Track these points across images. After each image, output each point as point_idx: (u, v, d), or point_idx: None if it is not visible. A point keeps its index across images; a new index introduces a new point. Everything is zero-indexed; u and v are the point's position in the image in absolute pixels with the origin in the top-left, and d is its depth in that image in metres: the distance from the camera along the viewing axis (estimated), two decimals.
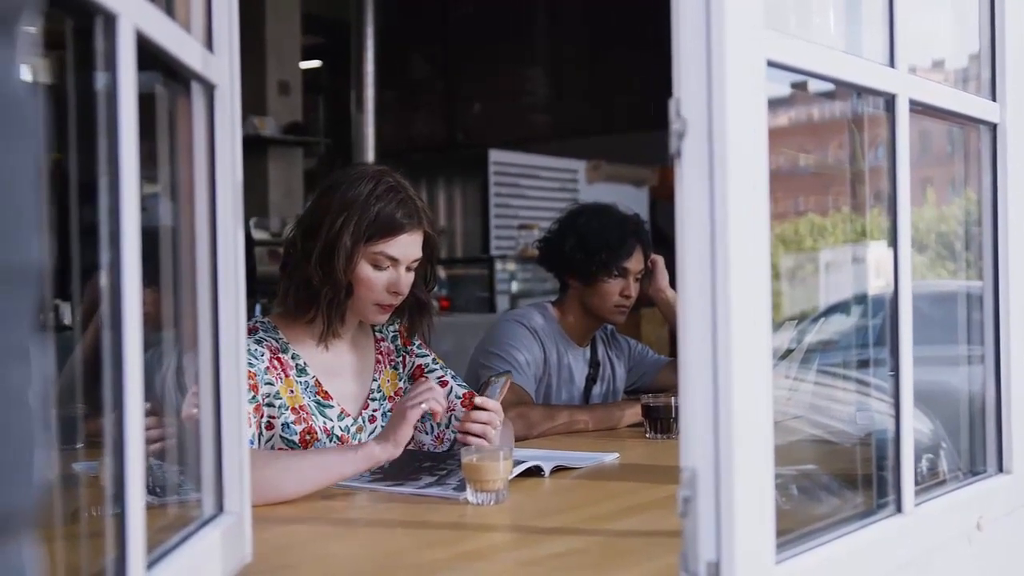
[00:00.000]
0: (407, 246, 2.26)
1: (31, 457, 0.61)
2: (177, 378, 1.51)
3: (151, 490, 1.26)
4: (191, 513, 1.40)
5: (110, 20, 1.02)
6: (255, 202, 7.37)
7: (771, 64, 1.28)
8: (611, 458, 2.42)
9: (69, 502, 1.37)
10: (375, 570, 1.61)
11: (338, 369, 2.34)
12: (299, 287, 2.25)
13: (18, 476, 0.59)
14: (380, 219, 2.22)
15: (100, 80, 1.04)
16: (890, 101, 1.57)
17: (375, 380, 2.40)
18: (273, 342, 2.25)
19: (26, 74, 0.62)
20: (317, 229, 2.23)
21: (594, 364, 3.22)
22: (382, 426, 2.34)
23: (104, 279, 1.03)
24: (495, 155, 8.26)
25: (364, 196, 2.22)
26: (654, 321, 6.64)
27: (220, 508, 1.41)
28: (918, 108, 1.63)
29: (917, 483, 1.60)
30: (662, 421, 2.72)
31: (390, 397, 2.41)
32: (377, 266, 2.24)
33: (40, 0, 0.65)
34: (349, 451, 2.04)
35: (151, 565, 1.13)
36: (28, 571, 0.62)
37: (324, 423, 2.26)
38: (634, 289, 3.09)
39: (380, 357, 2.43)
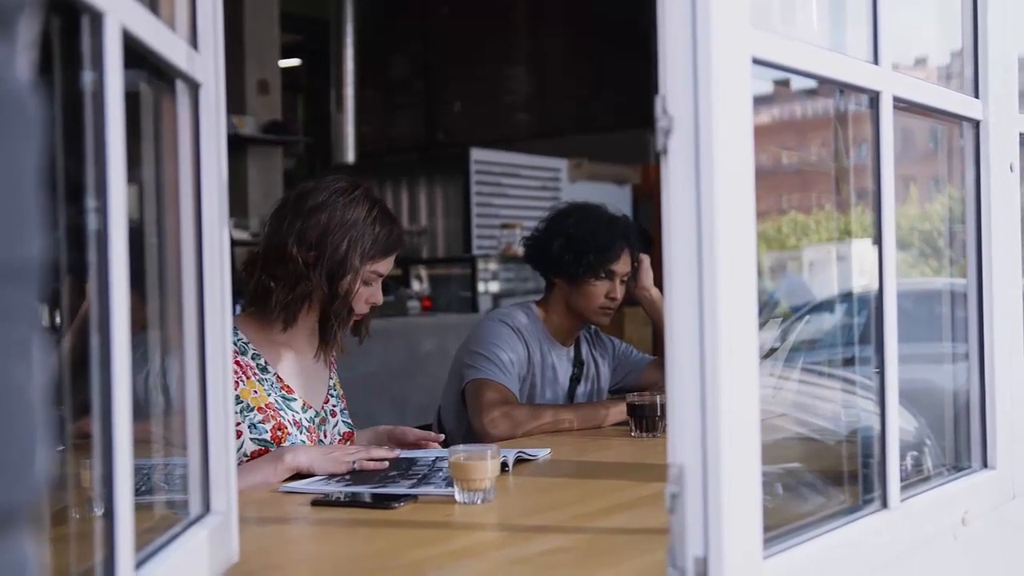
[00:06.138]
0: (392, 263, 2.44)
1: (34, 453, 0.61)
2: (160, 379, 1.50)
3: (136, 490, 1.25)
4: (177, 513, 1.40)
5: (96, 18, 1.01)
6: (234, 202, 7.31)
7: (756, 61, 1.28)
8: (543, 454, 2.44)
9: (52, 503, 1.36)
10: (363, 570, 1.60)
11: (298, 368, 2.44)
12: (299, 300, 2.34)
13: (22, 472, 0.60)
14: (380, 241, 2.37)
15: (86, 78, 1.03)
16: (874, 98, 1.57)
17: (331, 378, 2.54)
18: (232, 337, 2.28)
19: (26, 72, 0.62)
20: (319, 247, 2.32)
21: (578, 363, 3.22)
22: (343, 421, 2.51)
23: (91, 280, 1.03)
24: (476, 154, 8.25)
25: (363, 219, 2.35)
26: (637, 320, 6.66)
27: (207, 508, 1.41)
28: (902, 105, 1.64)
29: (902, 479, 1.61)
30: (647, 419, 2.72)
31: (341, 396, 2.56)
32: (366, 282, 2.38)
33: None
34: (269, 466, 2.14)
35: (139, 565, 1.12)
36: (30, 565, 0.62)
37: (292, 416, 2.35)
38: (620, 291, 3.09)
39: (332, 360, 2.56)
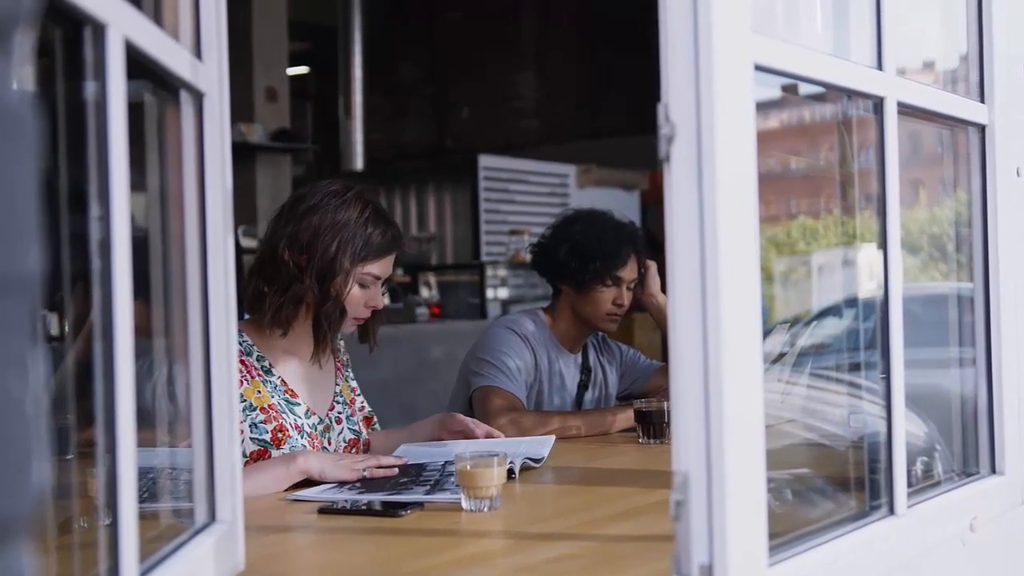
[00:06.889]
0: (390, 265, 2.42)
1: (30, 464, 0.61)
2: (168, 388, 1.51)
3: (141, 498, 1.26)
4: (182, 521, 1.40)
5: (99, 29, 1.02)
6: (243, 210, 7.34)
7: (759, 68, 1.28)
8: (548, 445, 2.47)
9: (59, 512, 1.36)
10: None
11: (303, 374, 2.44)
12: (291, 303, 2.33)
13: (17, 483, 0.60)
14: (373, 242, 2.35)
15: (89, 89, 1.04)
16: (878, 104, 1.57)
17: (337, 385, 2.52)
18: (237, 346, 2.29)
19: (23, 84, 0.62)
20: (310, 249, 2.32)
21: (586, 370, 3.22)
22: (348, 428, 2.49)
23: (95, 289, 1.03)
24: (485, 160, 8.26)
25: (354, 220, 2.34)
26: (646, 326, 6.65)
27: (212, 517, 1.41)
28: (906, 110, 1.63)
29: (911, 485, 1.60)
30: (655, 426, 2.72)
31: (348, 402, 2.54)
32: (362, 285, 2.37)
33: (37, 10, 0.65)
34: (280, 467, 2.15)
35: (144, 574, 1.12)
36: None
37: (295, 420, 2.35)
38: (627, 298, 3.09)
39: (339, 365, 2.55)
